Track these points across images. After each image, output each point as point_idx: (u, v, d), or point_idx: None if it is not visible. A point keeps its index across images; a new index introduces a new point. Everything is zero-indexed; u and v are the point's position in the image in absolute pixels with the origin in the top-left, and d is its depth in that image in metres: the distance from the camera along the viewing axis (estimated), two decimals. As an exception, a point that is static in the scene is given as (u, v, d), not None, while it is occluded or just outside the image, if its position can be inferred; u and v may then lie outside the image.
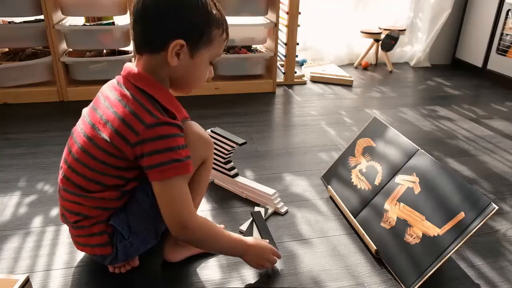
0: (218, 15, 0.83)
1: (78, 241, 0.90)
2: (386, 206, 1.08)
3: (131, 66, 0.84)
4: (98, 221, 0.85)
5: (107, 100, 0.82)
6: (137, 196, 0.86)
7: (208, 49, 0.83)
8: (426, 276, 0.89)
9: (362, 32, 2.74)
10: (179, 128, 0.80)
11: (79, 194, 0.83)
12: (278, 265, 0.99)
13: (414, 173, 1.07)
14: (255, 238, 0.97)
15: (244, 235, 1.08)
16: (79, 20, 2.15)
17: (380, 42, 2.73)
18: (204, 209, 1.20)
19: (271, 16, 2.18)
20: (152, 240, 0.92)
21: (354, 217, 1.14)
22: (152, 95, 0.80)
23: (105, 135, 0.79)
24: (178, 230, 0.81)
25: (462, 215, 0.92)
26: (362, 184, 1.19)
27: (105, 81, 0.90)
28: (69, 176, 0.84)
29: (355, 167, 1.25)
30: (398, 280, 0.95)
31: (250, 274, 0.96)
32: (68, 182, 0.84)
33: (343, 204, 1.19)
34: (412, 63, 2.94)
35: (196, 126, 0.91)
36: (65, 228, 1.08)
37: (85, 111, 0.88)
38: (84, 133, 0.83)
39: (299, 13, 2.23)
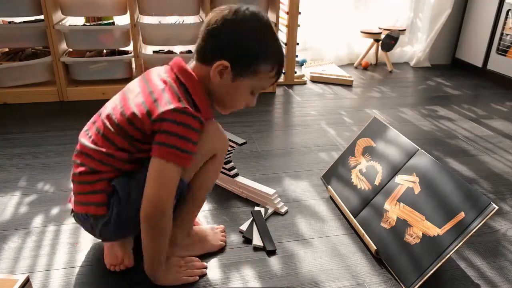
0: (275, 52, 0.87)
1: (77, 199, 0.90)
2: (386, 206, 1.08)
3: (181, 61, 0.89)
4: (101, 178, 0.87)
5: (149, 81, 0.89)
6: (146, 166, 0.85)
7: (251, 79, 0.87)
8: (426, 276, 0.89)
9: (362, 32, 2.74)
10: (199, 123, 0.83)
11: (92, 147, 0.87)
12: (278, 265, 0.99)
13: (414, 173, 1.07)
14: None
15: (244, 235, 1.08)
16: (79, 20, 2.15)
17: (380, 42, 2.73)
18: (204, 209, 1.20)
19: (271, 16, 2.18)
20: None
21: (354, 217, 1.14)
22: (187, 88, 0.85)
23: (133, 103, 0.85)
24: (150, 210, 0.82)
25: (462, 215, 0.92)
26: (362, 184, 1.19)
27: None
28: (89, 129, 0.91)
29: (355, 167, 1.25)
30: (398, 280, 0.95)
31: (250, 274, 0.96)
32: (87, 135, 0.90)
33: (343, 204, 1.19)
34: (412, 63, 2.94)
35: (218, 125, 0.96)
36: (65, 228, 1.09)
37: (126, 86, 0.94)
38: (118, 99, 0.90)
39: (299, 13, 2.23)
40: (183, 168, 0.84)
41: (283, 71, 0.90)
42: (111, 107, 0.89)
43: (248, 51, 0.85)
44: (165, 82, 0.85)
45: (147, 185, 0.82)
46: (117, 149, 0.86)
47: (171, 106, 0.80)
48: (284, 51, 2.28)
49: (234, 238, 1.08)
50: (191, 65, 0.89)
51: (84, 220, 0.91)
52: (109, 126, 0.86)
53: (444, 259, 0.89)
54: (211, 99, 0.91)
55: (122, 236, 0.95)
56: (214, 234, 1.05)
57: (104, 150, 0.86)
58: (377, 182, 1.15)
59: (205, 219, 1.16)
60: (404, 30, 2.80)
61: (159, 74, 0.89)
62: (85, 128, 0.93)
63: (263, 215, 1.15)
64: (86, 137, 0.90)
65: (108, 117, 0.87)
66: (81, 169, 0.87)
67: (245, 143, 1.20)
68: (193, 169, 0.91)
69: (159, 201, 0.82)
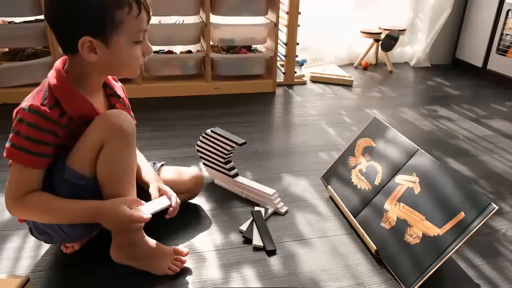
0: None
1: None
2: (386, 206, 1.08)
3: (58, 61, 0.90)
4: None
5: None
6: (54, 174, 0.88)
7: (121, 32, 0.82)
8: (426, 276, 0.89)
9: (362, 32, 2.74)
10: (44, 118, 0.82)
11: None
12: (278, 265, 0.99)
13: (414, 173, 1.07)
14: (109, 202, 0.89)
15: (244, 235, 1.08)
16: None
17: (380, 42, 2.73)
18: (204, 209, 1.20)
19: (271, 16, 2.18)
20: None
21: (354, 217, 1.14)
22: (50, 86, 0.85)
23: None
24: (8, 210, 0.86)
25: (462, 215, 0.92)
26: (362, 184, 1.19)
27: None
28: None
29: (355, 167, 1.25)
30: (398, 280, 0.95)
31: (250, 274, 0.96)
32: None
33: (343, 204, 1.19)
34: (412, 63, 2.94)
35: (111, 113, 0.89)
36: (65, 228, 1.09)
37: None
38: None
39: (299, 13, 2.23)
40: (33, 168, 0.84)
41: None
42: None
43: (88, 14, 0.79)
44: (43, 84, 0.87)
45: None
46: None
47: (23, 105, 0.83)
48: (284, 51, 2.30)
49: (234, 238, 1.08)
50: (66, 60, 0.89)
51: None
52: None
53: (444, 259, 0.89)
54: (113, 73, 0.92)
55: (69, 237, 0.94)
56: (166, 258, 0.95)
57: None
58: (377, 182, 1.15)
59: (205, 219, 1.16)
60: (404, 30, 2.80)
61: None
62: None
63: (263, 215, 1.15)
64: None
65: None
66: None
67: (245, 143, 1.20)
68: (81, 161, 0.87)
69: (7, 203, 0.85)
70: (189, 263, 0.99)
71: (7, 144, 0.83)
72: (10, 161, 0.84)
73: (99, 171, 0.88)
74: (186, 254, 0.98)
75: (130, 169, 0.92)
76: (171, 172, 1.16)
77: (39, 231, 0.92)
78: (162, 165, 1.18)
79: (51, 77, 0.87)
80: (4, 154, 0.83)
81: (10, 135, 0.83)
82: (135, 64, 0.89)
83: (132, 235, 0.90)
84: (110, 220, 0.87)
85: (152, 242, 0.95)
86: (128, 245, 0.91)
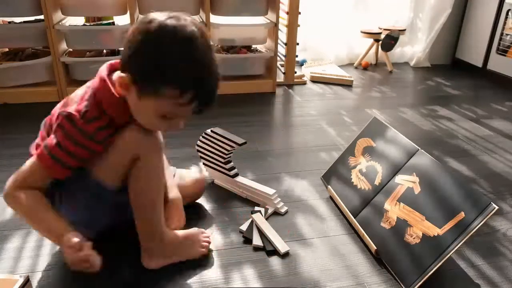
0: (188, 75, 0.76)
1: None
2: (386, 206, 1.08)
3: (105, 68, 0.87)
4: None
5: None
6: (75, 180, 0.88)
7: (155, 101, 0.79)
8: (426, 276, 0.89)
9: (362, 32, 2.74)
10: (81, 132, 0.81)
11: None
12: (278, 265, 0.99)
13: (414, 173, 1.07)
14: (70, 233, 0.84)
15: (244, 235, 1.08)
16: (79, 20, 2.15)
17: (380, 42, 2.73)
18: (204, 209, 1.20)
19: (271, 16, 2.18)
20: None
21: (354, 217, 1.14)
22: (95, 95, 0.83)
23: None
24: (3, 193, 0.86)
25: (462, 215, 0.92)
26: (362, 184, 1.19)
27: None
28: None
29: (355, 167, 1.25)
30: (398, 280, 0.95)
31: (250, 274, 0.96)
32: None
33: (343, 204, 1.19)
34: (412, 63, 2.94)
35: (137, 130, 0.86)
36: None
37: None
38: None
39: (299, 13, 2.23)
40: (48, 171, 0.84)
41: (210, 99, 0.81)
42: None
43: (151, 68, 0.76)
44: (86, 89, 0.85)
45: None
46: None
47: (67, 110, 0.81)
48: (284, 51, 2.30)
49: (234, 238, 1.08)
50: (118, 71, 0.85)
51: None
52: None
53: (444, 259, 0.89)
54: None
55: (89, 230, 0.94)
56: (194, 242, 1.00)
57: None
58: (377, 182, 1.15)
59: (205, 219, 1.16)
60: (404, 30, 2.80)
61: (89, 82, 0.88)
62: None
63: (263, 215, 1.15)
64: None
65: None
66: None
67: (245, 143, 1.20)
68: (110, 171, 0.88)
69: (5, 186, 0.85)
70: (189, 263, 0.99)
71: (43, 144, 0.84)
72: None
73: (133, 184, 0.89)
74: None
75: (162, 184, 0.95)
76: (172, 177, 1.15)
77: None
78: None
79: (100, 86, 0.84)
80: (35, 153, 0.84)
81: (49, 137, 0.84)
82: (149, 127, 0.87)
83: (156, 241, 0.93)
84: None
85: (175, 234, 0.97)
86: (157, 250, 0.94)
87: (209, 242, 1.02)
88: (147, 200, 0.91)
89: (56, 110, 0.88)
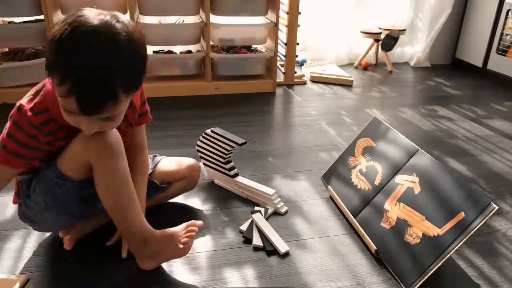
0: (67, 62, 0.71)
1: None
2: (386, 206, 1.08)
3: None
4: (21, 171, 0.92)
5: None
6: (45, 168, 0.90)
7: (57, 93, 0.75)
8: (426, 276, 0.89)
9: (362, 32, 2.74)
10: (29, 123, 0.82)
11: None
12: (278, 265, 0.99)
13: (414, 173, 1.07)
14: None
15: (244, 235, 1.08)
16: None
17: (380, 42, 2.73)
18: (204, 209, 1.20)
19: (271, 16, 2.18)
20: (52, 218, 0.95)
21: (354, 217, 1.13)
22: (45, 91, 0.84)
23: None
24: None
25: (462, 215, 0.92)
26: (362, 184, 1.19)
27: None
28: None
29: (355, 167, 1.25)
30: (398, 280, 0.95)
31: (250, 274, 0.96)
32: None
33: (343, 204, 1.19)
34: (412, 63, 2.94)
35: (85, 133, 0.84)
36: (65, 228, 1.09)
37: None
38: None
39: (299, 13, 2.23)
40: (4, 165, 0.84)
41: (91, 99, 0.74)
42: None
43: (50, 59, 0.73)
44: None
45: None
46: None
47: (18, 104, 0.84)
48: (284, 51, 2.30)
49: (234, 238, 1.08)
50: None
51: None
52: None
53: (444, 259, 0.89)
54: None
55: (55, 226, 1.01)
56: (175, 240, 0.93)
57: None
58: (377, 182, 1.15)
59: (205, 219, 1.16)
60: (404, 30, 2.80)
61: None
62: None
63: (263, 215, 1.15)
64: None
65: None
66: None
67: (245, 143, 1.20)
68: (69, 165, 0.88)
69: None
70: (189, 263, 0.99)
71: None
72: None
73: (97, 180, 0.88)
74: (200, 226, 0.95)
75: (125, 187, 0.89)
76: (168, 163, 1.16)
77: (25, 217, 0.97)
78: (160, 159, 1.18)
79: (48, 82, 0.85)
80: None
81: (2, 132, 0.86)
82: (73, 125, 0.81)
83: (137, 243, 0.92)
84: None
85: (158, 234, 0.93)
86: (142, 251, 0.93)
87: (191, 236, 0.92)
88: (111, 204, 0.89)
89: None
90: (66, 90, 0.72)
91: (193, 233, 0.93)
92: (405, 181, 1.08)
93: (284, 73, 2.39)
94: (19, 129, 0.83)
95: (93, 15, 0.73)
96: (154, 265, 0.95)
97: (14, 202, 0.98)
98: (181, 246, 0.91)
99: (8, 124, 0.85)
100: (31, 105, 0.83)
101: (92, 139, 0.84)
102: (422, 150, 1.10)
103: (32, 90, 0.87)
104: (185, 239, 0.92)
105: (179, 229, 0.94)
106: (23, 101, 0.84)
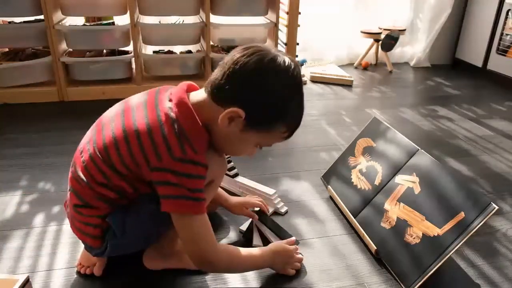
0: (297, 116, 0.82)
1: (74, 224, 0.88)
2: (386, 206, 1.08)
3: (183, 92, 0.80)
4: (97, 215, 0.83)
5: (147, 108, 0.80)
6: (141, 201, 0.83)
7: (262, 135, 0.81)
8: (426, 276, 0.89)
9: (362, 32, 2.74)
10: (204, 168, 0.77)
11: (86, 181, 0.81)
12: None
13: (414, 173, 1.07)
14: (274, 244, 0.97)
15: (243, 236, 1.08)
16: (79, 20, 2.15)
17: (380, 42, 2.73)
18: (204, 209, 1.20)
19: (271, 16, 2.18)
20: (140, 246, 0.93)
21: (354, 217, 1.14)
22: (183, 127, 0.76)
23: (131, 145, 0.77)
24: (202, 265, 0.84)
25: (462, 215, 0.92)
26: (362, 184, 1.19)
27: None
28: (85, 160, 0.82)
29: (355, 167, 1.25)
30: (398, 280, 0.95)
31: (250, 274, 0.96)
32: (80, 158, 0.83)
33: (343, 204, 1.19)
34: (412, 63, 2.94)
35: (217, 154, 0.87)
36: (66, 228, 1.09)
37: (121, 105, 0.85)
38: (113, 131, 0.80)
39: (299, 13, 2.23)
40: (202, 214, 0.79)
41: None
42: (105, 140, 0.80)
43: (271, 109, 0.77)
44: (165, 115, 0.77)
45: (184, 246, 0.83)
46: (112, 189, 0.81)
47: (172, 155, 0.74)
48: (284, 51, 2.29)
49: (234, 238, 1.08)
50: (199, 95, 0.81)
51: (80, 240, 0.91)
52: (100, 161, 0.79)
53: (444, 259, 0.89)
54: (211, 139, 0.81)
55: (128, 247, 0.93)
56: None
57: (97, 189, 0.80)
58: (377, 182, 1.15)
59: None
60: (404, 30, 2.80)
61: (160, 100, 0.80)
62: (80, 146, 0.86)
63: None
64: (79, 162, 0.83)
65: (102, 151, 0.79)
66: (75, 201, 0.83)
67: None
68: None
69: (206, 256, 0.81)
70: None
71: (178, 200, 0.76)
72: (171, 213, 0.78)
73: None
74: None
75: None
76: None
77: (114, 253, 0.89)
78: None
79: (184, 117, 0.77)
80: (170, 209, 0.78)
81: (167, 188, 0.76)
82: (234, 154, 0.94)
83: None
84: (283, 258, 0.96)
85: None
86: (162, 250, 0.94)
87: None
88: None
89: (118, 126, 0.79)
90: (288, 135, 0.84)
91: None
92: (405, 181, 1.08)
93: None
94: (197, 178, 0.77)
95: (285, 56, 0.79)
96: (162, 266, 0.96)
97: (97, 245, 0.87)
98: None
99: (182, 180, 0.75)
100: (192, 148, 0.76)
101: (221, 159, 0.91)
102: (422, 150, 1.10)
103: (179, 134, 0.76)
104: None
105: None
106: (180, 151, 0.74)
